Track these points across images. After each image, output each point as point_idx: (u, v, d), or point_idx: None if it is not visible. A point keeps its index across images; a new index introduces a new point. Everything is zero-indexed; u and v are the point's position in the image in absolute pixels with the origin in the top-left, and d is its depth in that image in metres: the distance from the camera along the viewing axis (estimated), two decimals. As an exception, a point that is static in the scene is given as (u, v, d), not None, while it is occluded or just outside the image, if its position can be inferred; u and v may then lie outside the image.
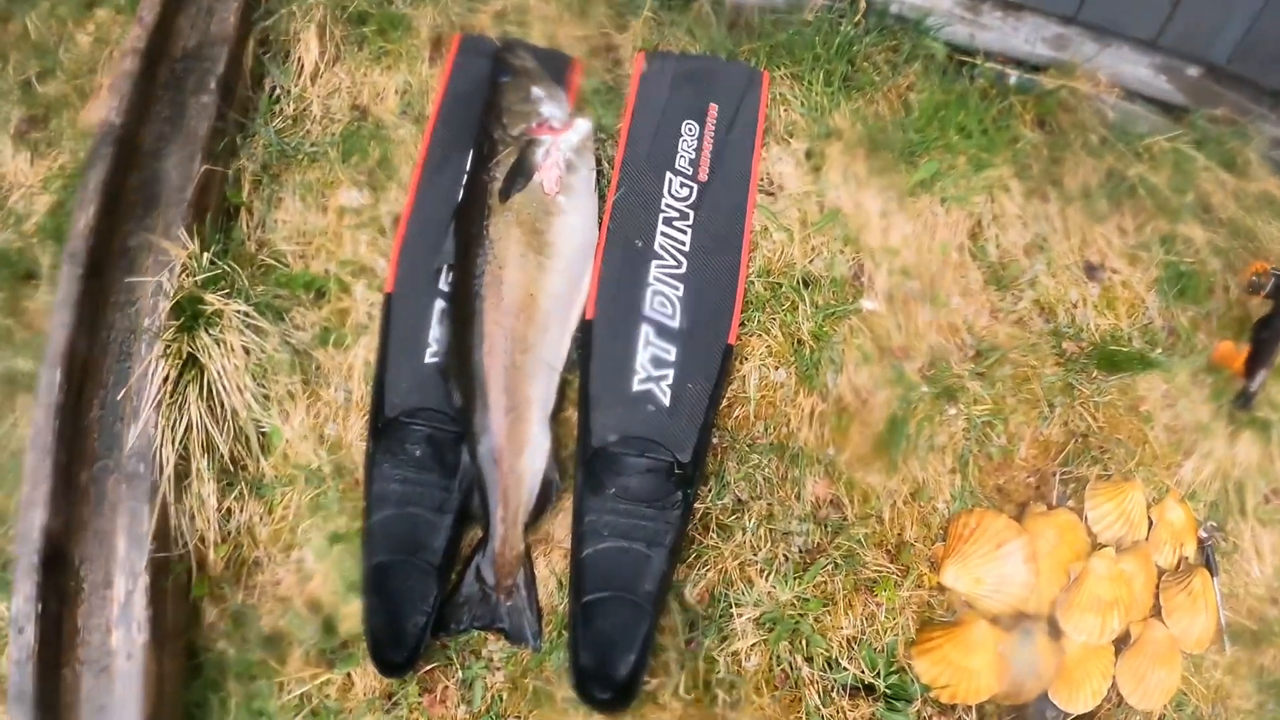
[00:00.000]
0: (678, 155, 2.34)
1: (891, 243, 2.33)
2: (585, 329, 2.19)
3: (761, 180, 2.35)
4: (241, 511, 2.13)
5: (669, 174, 2.32)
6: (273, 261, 2.28)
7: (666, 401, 2.13)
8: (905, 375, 2.23)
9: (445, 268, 2.22)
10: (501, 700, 2.05)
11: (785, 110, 2.41)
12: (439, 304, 2.22)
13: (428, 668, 2.06)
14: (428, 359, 2.17)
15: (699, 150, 2.34)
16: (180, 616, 2.05)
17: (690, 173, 2.33)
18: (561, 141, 2.26)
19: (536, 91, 2.30)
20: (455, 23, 2.50)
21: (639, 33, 2.47)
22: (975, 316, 2.32)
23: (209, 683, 2.06)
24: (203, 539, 2.07)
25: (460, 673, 2.06)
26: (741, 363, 2.22)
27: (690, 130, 2.37)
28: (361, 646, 2.05)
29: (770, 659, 2.06)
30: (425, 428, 2.12)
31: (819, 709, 2.03)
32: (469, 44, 2.48)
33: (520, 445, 2.08)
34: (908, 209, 2.36)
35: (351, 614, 2.08)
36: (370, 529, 2.06)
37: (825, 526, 2.13)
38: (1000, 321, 2.33)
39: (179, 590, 2.05)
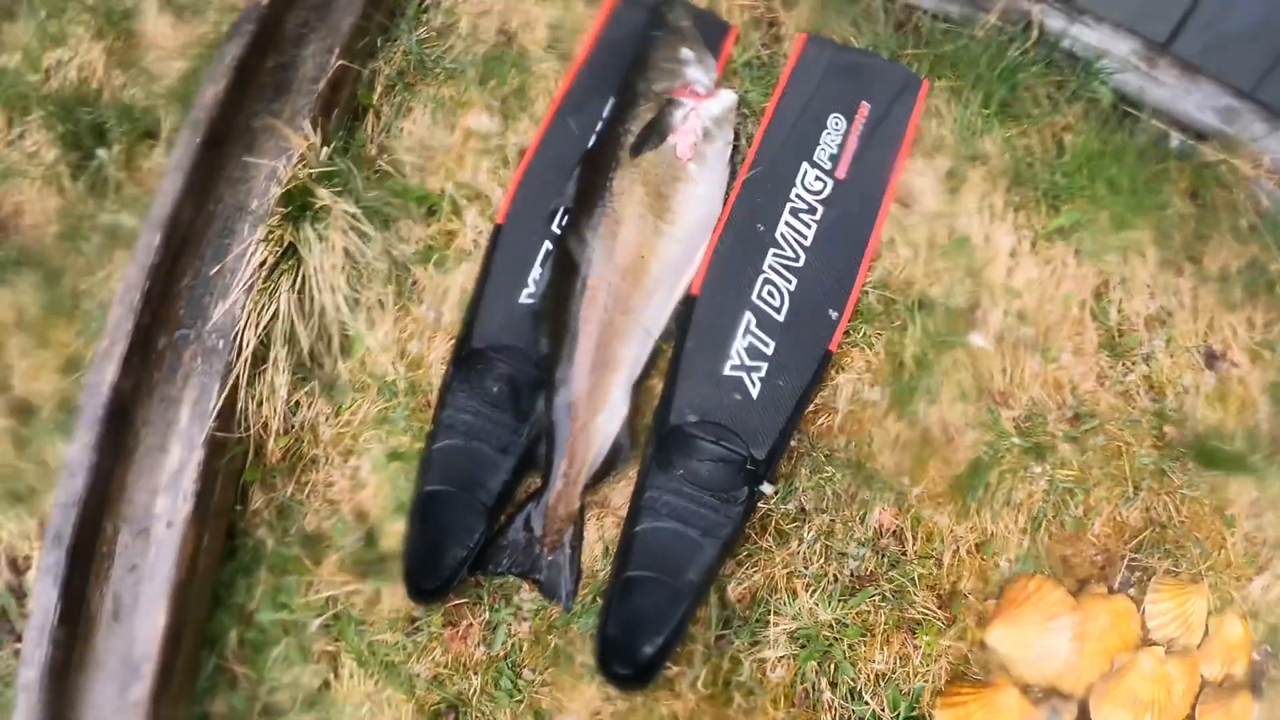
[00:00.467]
0: (819, 147, 2.17)
1: (1014, 283, 2.14)
2: (688, 303, 2.04)
3: (898, 191, 2.17)
4: (309, 408, 2.03)
5: (806, 164, 2.15)
6: (390, 169, 2.15)
7: (755, 394, 1.98)
8: (999, 422, 2.06)
9: (561, 210, 2.09)
10: (521, 650, 1.94)
11: (936, 124, 2.23)
12: (547, 245, 2.09)
13: (456, 602, 1.95)
14: (523, 299, 2.04)
15: (842, 146, 2.17)
16: (227, 497, 1.97)
17: (828, 167, 2.15)
18: (703, 108, 2.10)
19: (686, 53, 2.14)
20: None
21: (804, 14, 2.29)
22: (1082, 378, 2.13)
23: (242, 566, 1.98)
24: (265, 426, 1.97)
25: (487, 614, 1.95)
26: (837, 372, 2.06)
27: (837, 124, 2.19)
28: (397, 566, 1.95)
29: (795, 675, 1.92)
30: (507, 366, 2.00)
31: (831, 737, 1.91)
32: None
33: (598, 405, 1.95)
34: (1039, 253, 2.17)
35: (394, 532, 1.98)
36: (431, 454, 1.95)
37: (882, 556, 1.98)
38: (1105, 389, 2.13)
39: (231, 472, 1.96)
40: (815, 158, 2.16)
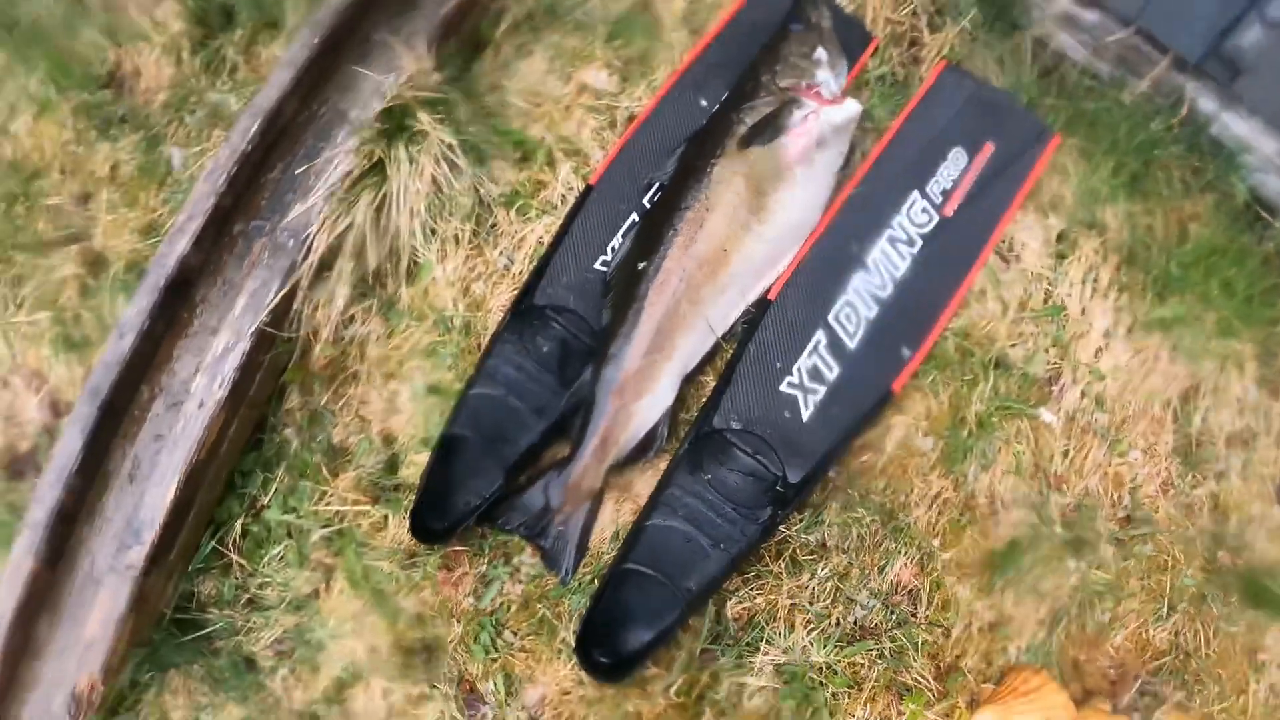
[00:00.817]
0: (933, 179, 2.01)
1: (1101, 365, 1.97)
2: (761, 306, 1.92)
3: (1001, 241, 2.01)
4: (363, 324, 1.97)
5: (916, 193, 1.99)
6: (496, 108, 2.05)
7: (805, 416, 1.85)
8: (1047, 505, 1.90)
9: (656, 185, 1.97)
10: (508, 610, 1.86)
11: (1058, 182, 2.05)
12: (634, 217, 1.98)
13: (457, 548, 1.88)
14: (597, 265, 1.94)
15: (956, 183, 2.01)
16: (264, 391, 1.92)
17: (938, 202, 2.00)
18: (825, 113, 1.95)
19: (820, 53, 1.99)
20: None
21: (950, 40, 2.12)
22: (1146, 480, 1.95)
23: (263, 460, 1.93)
24: (315, 332, 1.91)
25: (485, 568, 1.87)
26: (894, 413, 1.92)
27: (957, 159, 2.03)
28: (410, 498, 1.88)
29: (772, 710, 1.81)
30: (563, 329, 1.90)
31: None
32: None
33: (643, 389, 1.84)
34: (1134, 340, 1.99)
35: (416, 464, 1.92)
36: (466, 398, 1.87)
37: (891, 612, 1.85)
38: (1168, 498, 1.96)
39: (274, 368, 1.91)
40: (927, 189, 2.00)
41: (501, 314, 1.95)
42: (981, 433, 1.91)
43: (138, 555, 1.77)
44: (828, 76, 1.98)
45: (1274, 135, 2.07)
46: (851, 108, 1.99)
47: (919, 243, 1.97)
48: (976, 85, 2.08)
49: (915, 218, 1.99)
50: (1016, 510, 1.90)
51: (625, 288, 1.87)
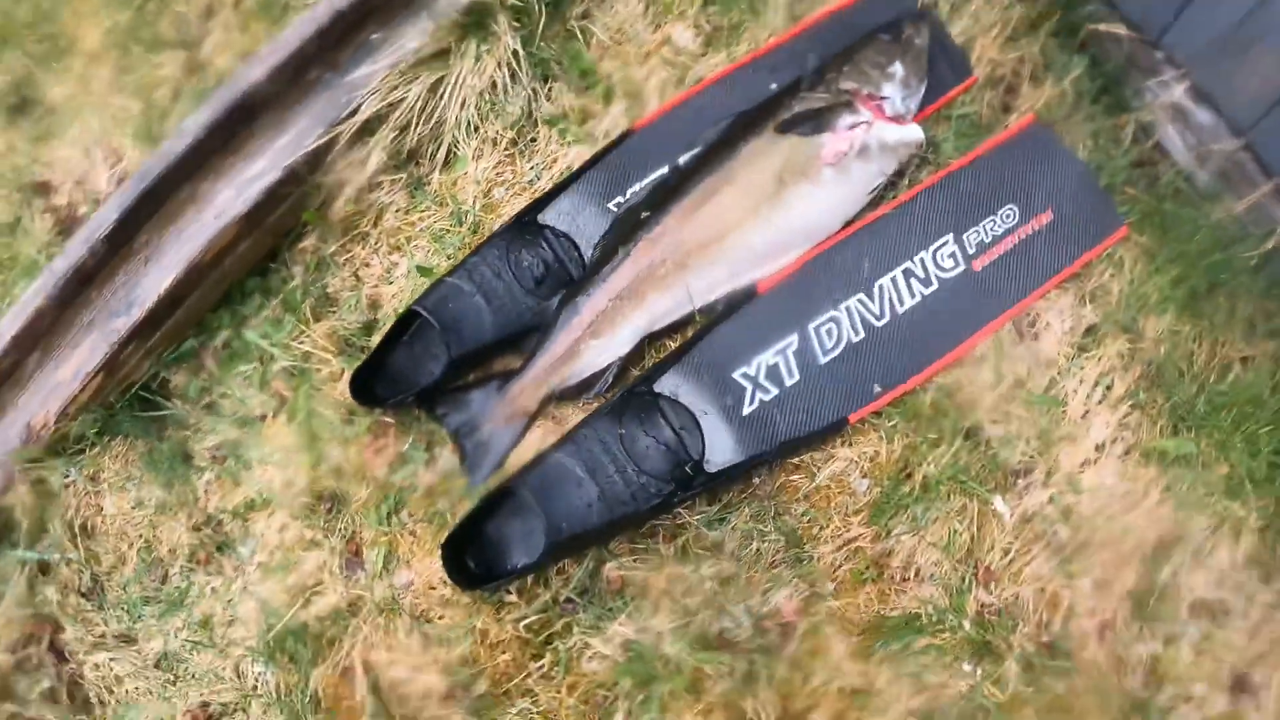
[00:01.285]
0: (974, 228, 1.86)
1: (1082, 478, 1.77)
2: (748, 295, 1.83)
3: (1025, 314, 1.83)
4: (388, 193, 2.02)
5: (950, 236, 1.85)
6: (577, 32, 2.04)
7: (745, 411, 1.76)
8: (966, 597, 1.72)
9: (698, 149, 1.91)
10: (413, 492, 1.86)
11: (1110, 274, 1.85)
12: (663, 170, 1.93)
13: (389, 420, 1.90)
14: (610, 205, 1.91)
15: (998, 239, 1.85)
16: (280, 222, 1.99)
17: (971, 252, 1.85)
18: (877, 128, 1.84)
19: (896, 68, 1.87)
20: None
21: (1048, 97, 1.94)
22: (1085, 614, 1.72)
23: (264, 287, 2.01)
24: (341, 185, 1.96)
25: (406, 447, 1.88)
26: (843, 443, 1.80)
27: (1008, 216, 1.87)
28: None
29: (609, 680, 1.73)
30: (553, 253, 1.89)
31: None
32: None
33: (602, 330, 1.82)
34: (1128, 464, 1.77)
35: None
36: (440, 283, 1.87)
37: (760, 637, 1.72)
38: (1102, 641, 1.72)
39: (296, 204, 1.98)
40: (964, 236, 1.85)
41: (509, 219, 1.95)
42: (924, 496, 1.76)
43: (123, 324, 1.90)
44: (896, 93, 1.86)
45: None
46: (911, 132, 1.87)
47: (934, 285, 1.83)
48: (1060, 149, 1.90)
49: (940, 260, 1.84)
50: (929, 587, 1.74)
51: (622, 231, 1.84)
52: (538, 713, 1.75)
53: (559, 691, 1.74)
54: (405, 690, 1.80)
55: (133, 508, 1.96)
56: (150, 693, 1.87)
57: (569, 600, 1.77)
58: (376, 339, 1.93)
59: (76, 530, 1.95)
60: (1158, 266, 1.83)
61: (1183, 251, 1.82)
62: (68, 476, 1.96)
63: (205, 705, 1.86)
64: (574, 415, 1.86)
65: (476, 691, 1.78)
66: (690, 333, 1.85)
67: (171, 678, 1.88)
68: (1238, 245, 1.82)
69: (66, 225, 2.15)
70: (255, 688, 1.84)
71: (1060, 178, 1.89)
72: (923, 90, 1.89)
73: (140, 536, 1.95)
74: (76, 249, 1.90)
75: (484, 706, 1.77)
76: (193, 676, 1.87)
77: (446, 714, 1.77)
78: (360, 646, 1.82)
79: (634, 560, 1.77)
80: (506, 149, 2.00)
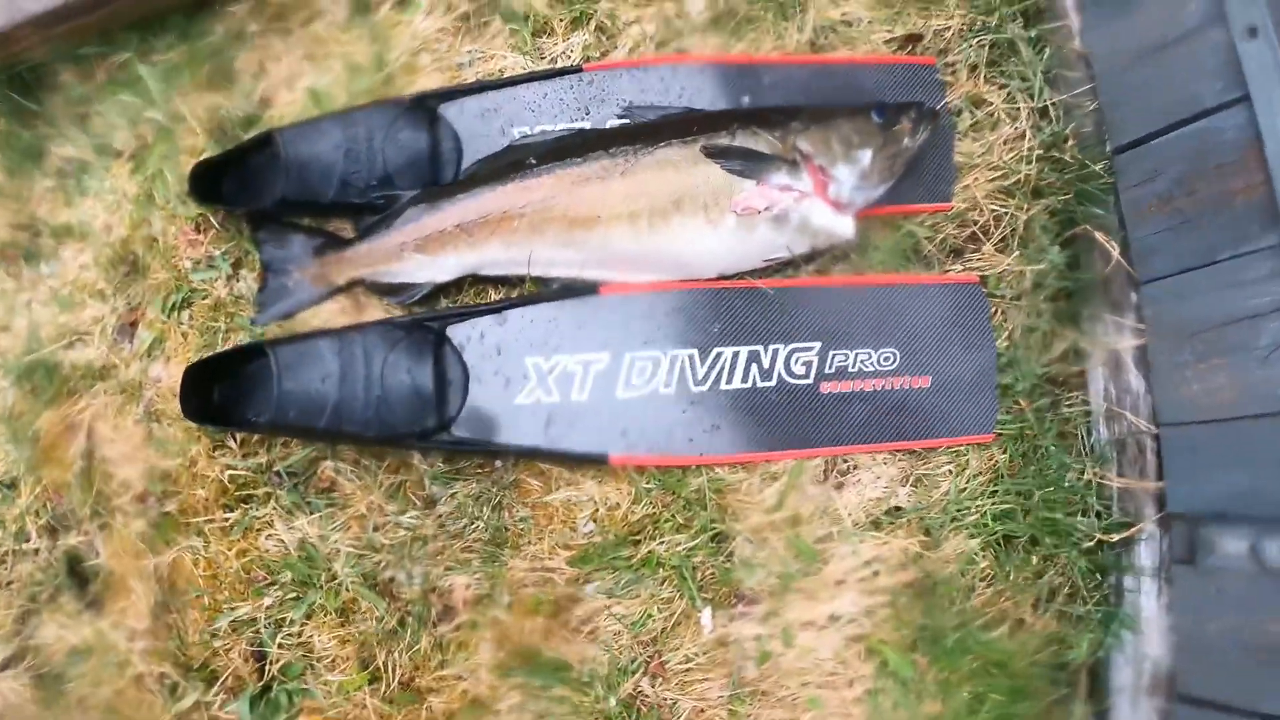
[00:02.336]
0: (846, 351, 1.62)
1: (798, 637, 1.57)
2: (587, 289, 1.63)
3: (845, 459, 1.62)
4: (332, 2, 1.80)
5: (817, 345, 1.62)
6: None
7: (515, 401, 1.58)
8: (627, 678, 1.57)
9: (624, 118, 1.68)
10: (203, 299, 1.73)
11: (947, 472, 1.61)
12: (580, 126, 1.70)
13: (214, 223, 1.75)
14: (515, 130, 1.69)
15: (862, 376, 1.62)
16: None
17: (827, 372, 1.61)
18: (811, 204, 1.57)
19: (864, 158, 1.57)
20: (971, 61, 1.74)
21: (1005, 268, 1.65)
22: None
23: (180, 23, 1.82)
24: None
25: (218, 255, 1.74)
26: (591, 475, 1.63)
27: (886, 359, 1.62)
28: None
29: (275, 564, 1.64)
30: (431, 146, 1.69)
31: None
32: (933, 79, 1.73)
33: (430, 249, 1.64)
34: (849, 649, 1.57)
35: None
36: (318, 120, 1.70)
37: (420, 605, 1.60)
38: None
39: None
40: (830, 353, 1.62)
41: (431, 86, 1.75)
42: (642, 569, 1.59)
43: (34, 4, 1.74)
44: (849, 179, 1.58)
45: None
46: (842, 225, 1.60)
47: (772, 382, 1.61)
48: (982, 325, 1.64)
49: (793, 363, 1.61)
50: (597, 650, 1.59)
51: (501, 164, 1.63)
52: (202, 557, 1.67)
53: (227, 550, 1.66)
54: (110, 471, 1.74)
55: (-31, 176, 1.88)
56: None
57: (278, 474, 1.66)
58: (248, 137, 1.76)
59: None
60: (996, 491, 1.59)
61: (1028, 491, 1.58)
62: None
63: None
64: (375, 309, 1.71)
65: (165, 508, 1.70)
66: (515, 294, 1.67)
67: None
68: (1082, 517, 1.57)
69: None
70: (-8, 392, 1.80)
71: (962, 352, 1.63)
72: (880, 191, 1.61)
73: (-36, 205, 1.87)
74: None
75: (165, 525, 1.70)
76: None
77: (132, 512, 1.72)
78: (92, 410, 1.75)
79: (351, 471, 1.65)
80: (457, 20, 1.76)
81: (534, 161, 1.60)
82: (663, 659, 1.60)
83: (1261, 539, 1.41)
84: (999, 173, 1.68)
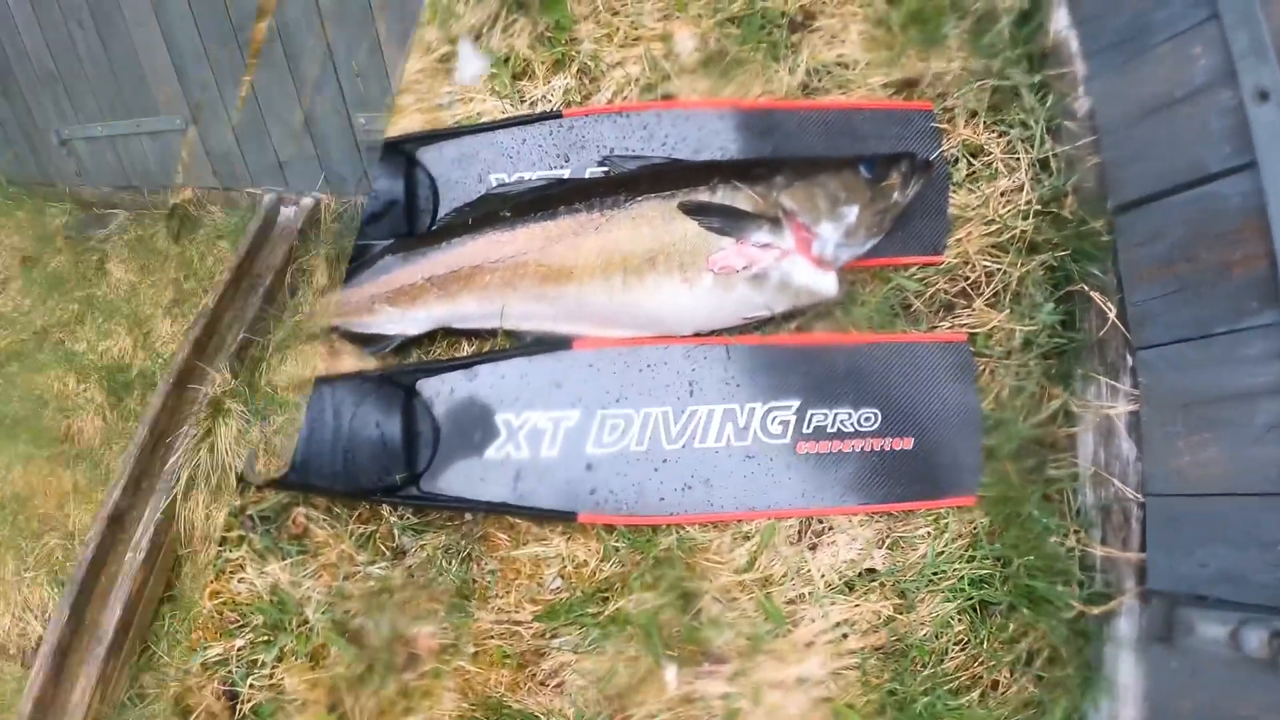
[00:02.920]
0: (825, 410, 1.54)
1: (767, 697, 1.51)
2: (560, 343, 1.56)
3: (820, 520, 1.55)
4: None
5: (795, 404, 1.54)
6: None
7: (485, 454, 1.54)
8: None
9: (605, 167, 1.60)
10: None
11: (925, 534, 1.53)
12: (563, 174, 1.62)
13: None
14: (492, 177, 1.62)
15: (841, 437, 1.54)
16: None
17: (806, 431, 1.54)
18: (793, 262, 1.50)
19: (851, 214, 1.49)
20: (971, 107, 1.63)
21: (995, 325, 1.56)
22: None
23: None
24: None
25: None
26: (560, 532, 1.58)
27: (866, 420, 1.54)
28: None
29: (246, 606, 1.62)
30: (407, 194, 1.62)
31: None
32: (930, 125, 1.62)
33: (400, 302, 1.61)
34: (817, 711, 1.50)
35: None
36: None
37: (387, 652, 1.56)
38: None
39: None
40: (809, 412, 1.54)
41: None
42: (607, 626, 1.54)
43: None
44: (833, 236, 1.50)
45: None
46: (824, 282, 1.52)
47: (748, 442, 1.54)
48: (968, 384, 1.55)
49: (769, 422, 1.54)
50: (563, 702, 1.54)
51: (475, 215, 1.56)
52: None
53: (202, 588, 1.65)
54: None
55: None
56: None
57: (251, 519, 1.64)
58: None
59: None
60: (974, 556, 1.52)
61: (1007, 558, 1.50)
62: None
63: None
64: (349, 358, 1.66)
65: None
66: (488, 347, 1.62)
67: None
68: (1063, 586, 1.49)
69: None
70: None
71: (947, 413, 1.54)
72: (867, 247, 1.53)
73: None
74: None
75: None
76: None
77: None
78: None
79: (323, 519, 1.62)
80: (438, 61, 1.69)
81: (508, 214, 1.53)
82: (627, 714, 1.57)
83: (1243, 628, 1.34)
84: (994, 227, 1.58)
